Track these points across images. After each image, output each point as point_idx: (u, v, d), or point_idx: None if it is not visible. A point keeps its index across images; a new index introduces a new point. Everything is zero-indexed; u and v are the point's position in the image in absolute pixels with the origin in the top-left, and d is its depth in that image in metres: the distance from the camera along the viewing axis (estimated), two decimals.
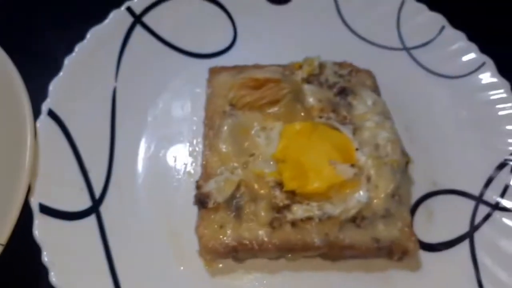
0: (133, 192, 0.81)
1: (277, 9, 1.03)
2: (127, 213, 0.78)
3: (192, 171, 0.84)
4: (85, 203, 0.76)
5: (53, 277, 0.67)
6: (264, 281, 0.75)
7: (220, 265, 0.76)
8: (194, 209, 0.77)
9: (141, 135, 0.87)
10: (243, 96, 0.85)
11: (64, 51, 0.88)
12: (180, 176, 0.84)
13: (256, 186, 0.76)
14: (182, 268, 0.75)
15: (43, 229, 0.71)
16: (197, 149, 0.86)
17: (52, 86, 0.83)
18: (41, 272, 0.69)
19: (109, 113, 0.86)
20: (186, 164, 0.85)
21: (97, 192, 0.78)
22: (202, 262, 0.75)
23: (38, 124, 0.79)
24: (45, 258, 0.69)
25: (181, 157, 0.86)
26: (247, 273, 0.75)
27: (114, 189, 0.80)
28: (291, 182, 0.76)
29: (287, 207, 0.75)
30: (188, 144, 0.87)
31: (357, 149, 0.80)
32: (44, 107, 0.81)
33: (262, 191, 0.76)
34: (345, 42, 1.00)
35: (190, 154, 0.86)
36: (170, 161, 0.85)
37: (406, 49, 1.00)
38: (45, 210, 0.73)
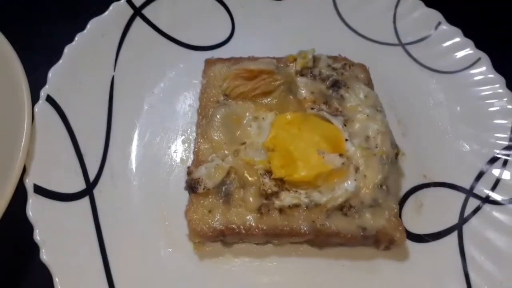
0: (126, 177, 0.83)
1: (275, 4, 1.04)
2: (120, 196, 0.80)
3: (184, 158, 0.86)
4: (79, 185, 0.79)
5: (43, 255, 0.69)
6: (251, 265, 0.76)
7: (208, 248, 0.77)
8: (186, 194, 0.79)
9: (137, 123, 0.89)
10: (236, 86, 0.87)
11: (66, 41, 0.90)
12: (173, 163, 0.86)
13: (245, 173, 0.78)
14: (170, 250, 0.77)
15: (36, 209, 0.73)
16: (190, 137, 0.88)
17: (51, 73, 0.85)
18: (33, 250, 0.71)
19: (107, 101, 0.89)
20: (179, 151, 0.87)
21: (92, 176, 0.80)
22: (191, 245, 0.77)
23: (36, 109, 0.81)
24: (37, 236, 0.71)
25: (175, 144, 0.88)
26: (234, 257, 0.77)
27: (108, 173, 0.82)
28: (280, 170, 0.77)
29: (275, 194, 0.77)
30: (182, 132, 0.89)
31: (346, 140, 0.81)
32: (43, 93, 0.83)
33: (251, 178, 0.77)
34: (341, 37, 1.02)
35: (184, 141, 0.88)
36: (164, 148, 0.87)
37: (402, 44, 1.00)
38: (39, 190, 0.75)
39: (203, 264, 0.76)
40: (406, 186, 0.85)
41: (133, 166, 0.84)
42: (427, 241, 0.80)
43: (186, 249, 0.77)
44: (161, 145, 0.87)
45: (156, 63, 0.95)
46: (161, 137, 0.88)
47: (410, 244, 0.79)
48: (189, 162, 0.84)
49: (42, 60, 0.88)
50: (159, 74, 0.95)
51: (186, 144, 0.88)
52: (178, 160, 0.86)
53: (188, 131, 0.89)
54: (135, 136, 0.87)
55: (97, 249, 0.73)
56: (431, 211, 0.83)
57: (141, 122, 0.89)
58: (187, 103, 0.93)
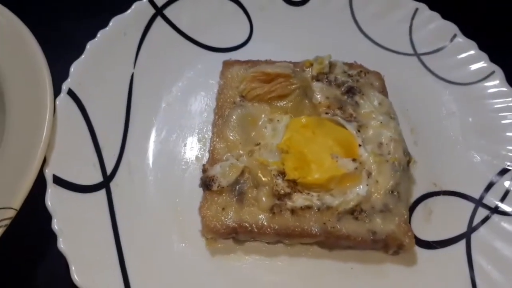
0: (142, 172, 0.84)
1: (293, 9, 1.06)
2: (136, 190, 0.82)
3: (200, 156, 0.88)
4: (96, 178, 0.80)
5: (61, 244, 0.71)
6: (262, 264, 0.78)
7: (220, 245, 0.79)
8: (199, 191, 0.81)
9: (154, 120, 0.91)
10: (253, 89, 0.89)
11: (87, 37, 0.92)
12: (188, 160, 0.87)
13: (259, 173, 0.79)
14: (183, 244, 0.78)
15: (55, 199, 0.75)
16: (206, 136, 0.90)
17: (73, 68, 0.87)
18: (50, 239, 0.73)
19: (126, 97, 0.91)
20: (194, 149, 0.89)
21: (109, 169, 0.82)
22: (204, 241, 0.78)
23: (57, 102, 0.83)
24: (55, 225, 0.72)
25: (191, 142, 0.90)
26: (245, 255, 0.78)
27: (125, 168, 0.83)
28: (293, 172, 0.79)
29: (287, 195, 0.78)
30: (198, 130, 0.91)
31: (360, 145, 0.83)
32: (64, 86, 0.85)
33: (265, 179, 0.79)
34: (357, 45, 1.03)
35: (199, 140, 0.90)
36: (180, 145, 0.89)
37: (417, 54, 1.02)
38: (58, 181, 0.76)
39: (215, 260, 0.77)
40: (416, 193, 0.86)
41: (149, 161, 0.86)
42: (435, 247, 0.81)
43: (198, 245, 0.78)
44: (177, 143, 0.89)
45: (175, 63, 0.97)
46: (177, 134, 0.90)
47: (418, 250, 0.80)
48: (204, 160, 0.85)
49: (63, 55, 0.90)
50: (177, 73, 0.97)
51: (202, 143, 0.89)
52: (193, 158, 0.88)
53: (204, 130, 0.91)
54: (152, 133, 0.89)
55: (112, 241, 0.75)
56: (440, 219, 0.84)
57: (158, 120, 0.91)
58: (203, 102, 0.94)
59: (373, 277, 0.78)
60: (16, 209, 0.70)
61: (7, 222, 0.69)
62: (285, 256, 0.78)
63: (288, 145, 0.82)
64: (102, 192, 0.79)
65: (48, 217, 0.74)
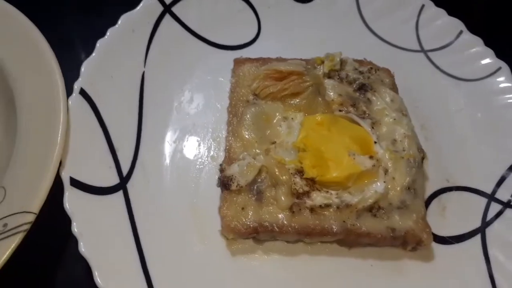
0: (158, 172, 0.83)
1: (300, 6, 1.06)
2: (152, 191, 0.81)
3: (215, 155, 0.87)
4: (113, 180, 0.79)
5: (82, 247, 0.70)
6: (283, 263, 0.78)
7: (240, 245, 0.78)
8: (216, 190, 0.80)
9: (167, 119, 0.90)
10: (266, 87, 0.89)
11: (97, 36, 0.90)
12: (203, 159, 0.86)
13: (277, 172, 0.79)
14: (204, 245, 0.78)
15: (73, 201, 0.73)
16: (220, 135, 0.89)
17: (84, 67, 0.86)
18: (68, 242, 0.72)
19: (137, 96, 0.89)
20: (209, 148, 0.88)
21: (125, 170, 0.81)
22: (224, 241, 0.78)
23: (70, 102, 0.81)
24: (75, 229, 0.71)
25: (205, 141, 0.89)
26: (266, 254, 0.78)
27: (140, 169, 0.82)
28: (312, 170, 0.79)
29: (306, 193, 0.78)
30: (211, 129, 0.90)
31: (375, 142, 0.83)
32: (76, 86, 0.83)
33: (283, 177, 0.78)
34: (364, 42, 1.04)
35: (214, 139, 0.89)
36: (194, 145, 0.88)
37: (424, 51, 1.03)
38: (76, 183, 0.75)
39: (236, 260, 0.77)
40: (429, 189, 0.87)
41: (164, 162, 0.85)
42: (451, 243, 0.82)
43: (218, 245, 0.78)
44: (191, 142, 0.88)
45: (184, 61, 0.96)
46: (190, 134, 0.89)
47: (434, 245, 0.81)
48: (220, 160, 0.85)
49: (71, 53, 0.88)
50: (187, 72, 0.96)
51: (216, 142, 0.89)
52: (208, 157, 0.87)
53: (218, 129, 0.90)
54: (166, 133, 0.88)
55: (133, 243, 0.74)
56: (454, 214, 0.85)
57: (171, 119, 0.90)
58: (215, 101, 0.94)
59: (393, 274, 0.78)
60: (35, 213, 0.68)
61: (27, 226, 0.67)
62: (305, 254, 0.79)
63: (305, 143, 0.82)
64: (120, 194, 0.78)
65: (62, 218, 0.72)
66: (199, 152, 0.87)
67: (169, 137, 0.88)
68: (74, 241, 0.71)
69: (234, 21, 1.03)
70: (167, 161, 0.85)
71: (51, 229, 0.74)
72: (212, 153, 0.87)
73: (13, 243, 0.65)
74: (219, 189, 0.80)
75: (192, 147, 0.88)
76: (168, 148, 0.87)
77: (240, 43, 1.01)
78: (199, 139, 0.89)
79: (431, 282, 0.78)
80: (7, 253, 0.65)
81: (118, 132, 0.84)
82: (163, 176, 0.83)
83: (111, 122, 0.84)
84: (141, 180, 0.81)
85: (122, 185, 0.79)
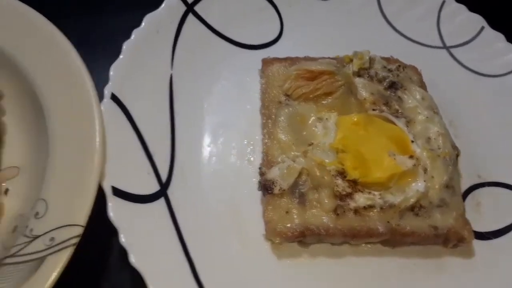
0: (196, 177, 0.82)
1: (321, 4, 1.05)
2: (192, 197, 0.79)
3: (252, 159, 0.85)
4: (153, 187, 0.77)
5: (132, 258, 0.68)
6: (330, 265, 0.77)
7: (285, 249, 0.77)
8: (256, 194, 0.79)
9: (199, 122, 0.88)
10: (299, 87, 0.88)
11: (120, 38, 0.87)
12: (240, 163, 0.85)
13: (318, 174, 0.78)
14: (249, 250, 0.76)
15: (117, 211, 0.71)
16: (256, 137, 0.87)
17: (113, 70, 0.83)
18: (116, 252, 0.70)
19: (168, 99, 0.87)
20: (244, 151, 0.86)
21: (163, 176, 0.79)
22: (267, 245, 0.77)
23: (102, 108, 0.78)
24: (123, 239, 0.69)
25: (240, 144, 0.87)
26: (312, 257, 0.77)
27: (178, 174, 0.80)
28: (354, 172, 0.78)
29: (349, 195, 0.78)
30: (244, 131, 0.88)
31: (412, 141, 0.83)
32: (107, 91, 0.81)
33: (324, 179, 0.78)
34: (386, 39, 1.03)
35: (248, 141, 0.87)
36: (229, 148, 0.86)
37: (446, 47, 1.03)
38: (118, 193, 0.72)
39: (282, 264, 0.76)
40: (463, 186, 0.87)
41: (201, 166, 0.83)
42: (489, 238, 0.83)
43: (263, 249, 0.77)
44: (226, 145, 0.86)
45: (210, 61, 0.94)
46: (224, 137, 0.87)
47: (474, 241, 0.81)
48: (256, 163, 0.84)
49: (94, 56, 0.85)
50: (213, 72, 0.93)
51: (251, 144, 0.87)
52: (244, 160, 0.85)
53: (250, 131, 0.88)
54: (199, 136, 0.86)
55: (181, 251, 0.72)
56: (489, 210, 0.85)
57: (203, 122, 0.88)
58: (244, 101, 0.92)
59: (436, 271, 0.79)
60: (83, 226, 0.66)
61: (76, 240, 0.65)
62: (351, 256, 0.78)
63: (343, 144, 0.81)
64: (161, 201, 0.76)
65: (104, 230, 0.70)
66: (235, 155, 0.85)
67: (203, 140, 0.86)
68: (116, 251, 0.69)
69: (256, 19, 1.01)
70: (204, 165, 0.83)
71: (99, 241, 0.72)
72: (248, 156, 0.86)
73: (64, 257, 0.63)
74: (257, 193, 0.79)
75: (227, 150, 0.86)
76: (203, 152, 0.85)
77: (264, 42, 1.00)
78: (232, 141, 0.87)
79: (474, 277, 0.79)
80: (58, 269, 0.63)
81: (153, 136, 0.81)
82: (201, 181, 0.81)
83: (145, 126, 0.81)
84: (180, 186, 0.79)
85: (163, 191, 0.77)
